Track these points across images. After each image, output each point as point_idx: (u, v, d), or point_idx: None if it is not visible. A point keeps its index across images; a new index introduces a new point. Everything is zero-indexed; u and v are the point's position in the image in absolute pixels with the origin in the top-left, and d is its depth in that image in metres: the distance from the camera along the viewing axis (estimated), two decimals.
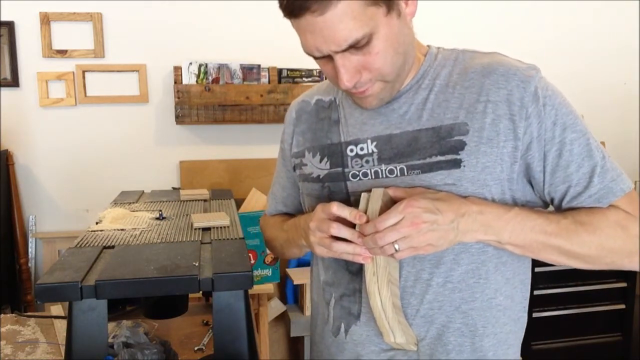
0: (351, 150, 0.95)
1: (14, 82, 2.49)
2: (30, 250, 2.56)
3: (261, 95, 2.55)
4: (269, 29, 2.56)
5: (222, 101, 2.52)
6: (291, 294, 2.67)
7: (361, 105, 0.92)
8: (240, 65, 2.56)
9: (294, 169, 1.06)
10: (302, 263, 2.66)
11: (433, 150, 0.88)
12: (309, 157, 1.01)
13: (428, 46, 0.97)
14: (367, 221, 0.83)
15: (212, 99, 2.50)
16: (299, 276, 2.48)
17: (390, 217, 0.81)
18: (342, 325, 0.98)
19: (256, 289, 2.27)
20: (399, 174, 0.90)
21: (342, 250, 0.86)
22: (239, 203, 2.29)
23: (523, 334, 1.00)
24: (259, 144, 2.74)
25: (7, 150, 2.49)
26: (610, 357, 2.72)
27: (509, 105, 0.86)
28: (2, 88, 2.48)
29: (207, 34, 2.63)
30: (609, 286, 2.66)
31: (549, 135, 0.86)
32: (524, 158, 0.87)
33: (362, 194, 0.88)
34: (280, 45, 2.58)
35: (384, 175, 0.91)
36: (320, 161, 0.98)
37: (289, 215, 1.14)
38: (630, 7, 3.05)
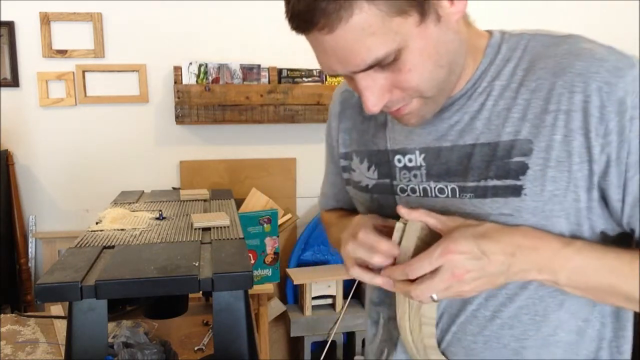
0: (399, 161, 0.82)
1: (14, 82, 2.49)
2: (30, 250, 2.56)
3: (261, 95, 2.55)
4: (269, 29, 2.56)
5: (222, 101, 2.51)
6: (291, 294, 2.67)
7: (400, 122, 0.77)
8: (240, 65, 2.56)
9: (343, 170, 0.96)
10: (302, 263, 2.67)
11: (489, 172, 0.72)
12: (356, 163, 0.90)
13: (489, 32, 0.77)
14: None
15: (212, 99, 2.50)
16: (299, 276, 2.48)
17: (424, 264, 0.67)
18: (385, 350, 0.90)
19: (256, 289, 2.27)
20: (450, 195, 0.76)
21: (370, 281, 0.75)
22: (239, 203, 2.29)
23: None
24: (259, 144, 2.73)
25: (7, 150, 2.48)
26: None
27: (585, 115, 0.66)
28: (2, 88, 2.48)
29: (207, 34, 2.63)
30: None
31: (632, 159, 0.66)
32: (600, 183, 0.69)
33: (397, 225, 0.73)
34: (280, 45, 2.59)
35: (434, 195, 0.78)
36: (368, 169, 0.87)
37: (344, 210, 1.06)
38: (630, 7, 3.05)
